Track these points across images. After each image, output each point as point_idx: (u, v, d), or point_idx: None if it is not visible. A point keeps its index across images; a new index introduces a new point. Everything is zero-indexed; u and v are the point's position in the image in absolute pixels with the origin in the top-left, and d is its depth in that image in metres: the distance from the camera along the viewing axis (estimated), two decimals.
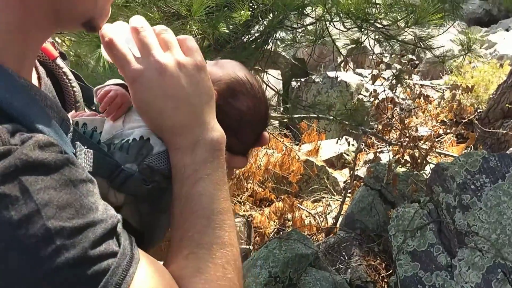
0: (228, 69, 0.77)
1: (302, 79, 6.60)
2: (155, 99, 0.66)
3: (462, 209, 2.61)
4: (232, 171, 0.80)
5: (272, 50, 3.53)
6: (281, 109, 5.86)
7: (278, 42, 3.11)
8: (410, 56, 6.99)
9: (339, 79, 5.62)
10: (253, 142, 0.80)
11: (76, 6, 0.62)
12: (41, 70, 0.73)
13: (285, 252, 2.95)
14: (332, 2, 1.98)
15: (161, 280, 0.57)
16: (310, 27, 2.58)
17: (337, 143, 4.07)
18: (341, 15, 2.11)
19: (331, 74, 6.42)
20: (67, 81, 0.79)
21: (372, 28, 2.25)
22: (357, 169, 4.59)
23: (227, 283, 0.62)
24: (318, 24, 2.38)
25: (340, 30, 2.43)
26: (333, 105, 5.21)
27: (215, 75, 0.76)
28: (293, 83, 6.68)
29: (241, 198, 5.20)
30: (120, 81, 0.77)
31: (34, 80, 0.69)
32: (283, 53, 7.44)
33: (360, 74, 6.52)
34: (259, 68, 3.90)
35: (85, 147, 0.60)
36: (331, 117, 4.20)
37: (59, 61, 0.79)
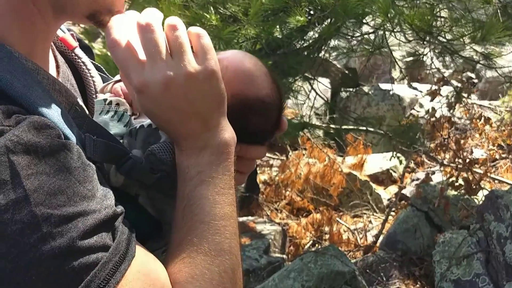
0: (233, 64, 0.71)
1: (352, 89, 6.52)
2: (160, 111, 0.63)
3: None
4: (253, 162, 0.78)
5: (324, 58, 3.51)
6: (327, 118, 5.82)
7: (331, 51, 3.08)
8: (469, 73, 6.76)
9: (391, 92, 5.51)
10: (270, 130, 0.77)
11: None
12: (60, 59, 0.74)
13: (321, 267, 2.93)
14: (395, 12, 1.95)
15: (155, 281, 0.56)
16: (367, 36, 2.55)
17: (390, 159, 3.99)
18: (403, 26, 2.07)
19: (383, 86, 6.31)
20: (86, 71, 0.78)
21: (436, 42, 2.20)
22: (404, 187, 4.49)
23: None
24: (377, 33, 2.35)
25: (400, 41, 2.39)
26: (383, 118, 5.13)
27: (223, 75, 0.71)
28: (343, 93, 6.62)
29: (278, 205, 5.20)
30: None
31: (52, 69, 0.69)
32: (334, 62, 7.40)
33: (415, 88, 6.38)
34: (309, 76, 3.89)
35: (95, 136, 0.59)
36: (381, 132, 4.13)
37: (78, 51, 0.79)
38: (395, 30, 2.20)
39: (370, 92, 6.07)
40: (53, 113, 0.55)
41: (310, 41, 3.06)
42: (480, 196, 3.57)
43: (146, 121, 0.69)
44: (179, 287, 0.58)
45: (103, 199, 0.54)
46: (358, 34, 2.50)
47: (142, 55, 0.62)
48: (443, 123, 3.49)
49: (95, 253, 0.50)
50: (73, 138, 0.56)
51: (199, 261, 0.60)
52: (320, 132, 5.48)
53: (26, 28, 0.59)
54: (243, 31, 2.21)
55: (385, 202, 4.82)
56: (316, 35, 2.94)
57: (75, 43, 0.78)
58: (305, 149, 5.44)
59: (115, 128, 0.69)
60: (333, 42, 3.08)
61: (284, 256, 4.20)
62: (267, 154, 6.13)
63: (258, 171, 5.61)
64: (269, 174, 5.82)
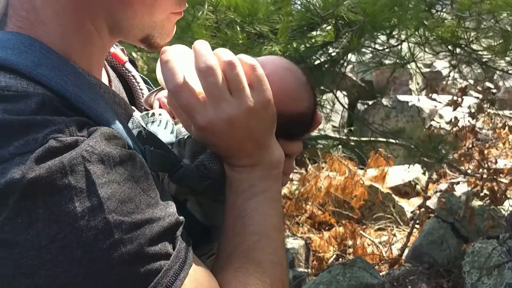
0: (275, 81, 0.72)
1: (369, 102, 6.57)
2: (221, 142, 0.67)
3: None
4: (292, 162, 0.81)
5: (341, 71, 3.56)
6: (345, 130, 5.86)
7: (357, 66, 3.14)
8: (487, 83, 6.77)
9: (410, 103, 5.54)
10: (308, 126, 0.80)
11: (132, 19, 0.63)
12: (112, 73, 0.78)
13: (349, 279, 2.96)
14: (424, 27, 2.01)
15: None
16: (393, 49, 2.61)
17: (409, 166, 4.01)
18: (432, 39, 2.14)
19: (402, 97, 6.35)
20: (136, 84, 0.83)
21: (465, 54, 2.25)
22: (428, 197, 4.50)
23: None
24: (402, 46, 2.41)
25: (428, 53, 2.44)
26: (403, 130, 5.15)
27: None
28: (359, 106, 6.67)
29: (299, 219, 5.21)
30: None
31: (105, 82, 0.73)
32: (349, 74, 7.45)
33: (434, 99, 6.40)
34: (326, 90, 3.94)
35: (151, 147, 0.62)
36: (403, 143, 4.15)
37: (128, 65, 0.84)
38: (423, 43, 2.26)
39: (388, 104, 6.10)
40: (117, 124, 0.58)
41: (333, 54, 3.13)
42: (506, 206, 3.58)
43: None
44: None
45: (166, 207, 0.56)
46: (384, 47, 2.56)
47: (201, 93, 0.65)
48: (466, 133, 3.52)
49: (158, 261, 0.52)
50: (133, 147, 0.59)
51: (251, 272, 0.62)
52: (340, 145, 5.50)
53: (86, 46, 0.63)
54: (270, 48, 2.29)
55: (409, 215, 4.83)
56: (339, 50, 3.01)
57: (125, 58, 0.83)
58: (325, 162, 5.47)
59: (164, 137, 0.72)
60: (354, 57, 3.14)
61: (309, 270, 4.22)
62: None
63: None
64: (288, 188, 5.85)
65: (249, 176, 0.68)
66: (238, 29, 2.50)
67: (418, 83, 5.74)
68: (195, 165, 0.68)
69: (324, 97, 4.18)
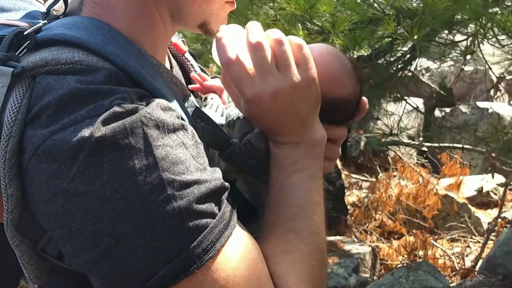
0: (320, 65, 0.76)
1: (447, 109, 6.31)
2: (267, 116, 0.72)
3: None
4: (337, 147, 0.84)
5: (416, 78, 3.47)
6: (421, 138, 5.67)
7: (424, 71, 3.05)
8: None
9: (490, 110, 5.25)
10: (352, 113, 0.84)
11: (192, 6, 0.71)
12: (173, 61, 0.86)
13: (413, 282, 2.88)
14: (487, 17, 1.94)
15: (251, 250, 0.63)
16: (459, 43, 2.53)
17: (487, 180, 3.80)
18: (497, 31, 2.05)
19: (481, 104, 6.03)
20: (194, 72, 0.91)
21: None
22: (504, 211, 4.24)
23: (311, 268, 0.66)
24: (469, 40, 2.34)
25: (494, 46, 2.34)
26: (482, 137, 4.89)
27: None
28: (437, 112, 6.43)
29: (367, 227, 5.11)
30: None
31: (167, 67, 0.79)
32: (427, 81, 7.22)
33: None
34: (398, 95, 3.85)
35: (203, 123, 0.69)
36: (481, 150, 3.95)
37: (187, 55, 0.91)
38: (488, 37, 2.18)
39: (466, 111, 5.83)
40: (173, 99, 0.65)
41: (399, 54, 3.09)
42: None
43: (241, 113, 0.79)
44: (273, 261, 0.65)
45: (213, 172, 0.62)
46: (448, 41, 2.49)
47: (251, 69, 0.70)
48: None
49: (205, 218, 0.58)
50: (186, 121, 0.65)
51: (291, 240, 0.67)
52: (413, 151, 5.34)
53: (151, 31, 0.71)
54: (330, 43, 2.33)
55: (485, 226, 4.56)
56: (406, 48, 2.97)
57: (185, 48, 0.91)
58: (396, 169, 5.33)
59: (215, 119, 0.77)
60: (425, 62, 3.06)
61: (375, 277, 4.14)
62: (356, 176, 6.10)
63: (347, 193, 5.58)
64: (358, 196, 5.76)
65: (292, 153, 0.73)
66: (300, 26, 2.56)
67: (500, 90, 5.42)
68: (243, 143, 0.73)
69: (396, 101, 4.10)
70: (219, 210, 0.61)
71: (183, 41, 0.93)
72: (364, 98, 0.84)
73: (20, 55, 0.62)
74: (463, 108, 6.06)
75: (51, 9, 0.73)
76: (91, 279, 0.59)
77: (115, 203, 0.54)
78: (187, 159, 0.59)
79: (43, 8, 0.77)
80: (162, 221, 0.55)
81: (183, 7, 0.71)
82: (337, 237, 4.73)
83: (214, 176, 0.62)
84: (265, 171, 0.74)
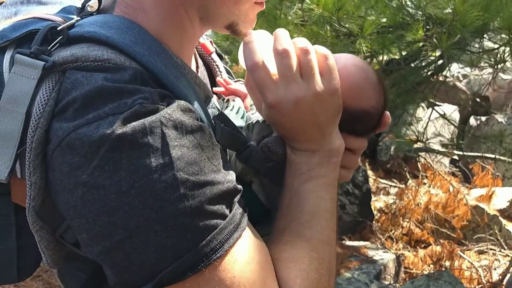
0: (345, 76, 0.76)
1: (483, 118, 6.14)
2: (287, 123, 0.73)
3: None
4: (356, 157, 0.85)
5: (447, 84, 3.40)
6: (454, 146, 5.54)
7: (461, 74, 3.00)
8: None
9: None
10: (374, 125, 0.84)
11: (221, 8, 0.71)
12: (200, 62, 0.88)
13: None
14: None
15: (259, 254, 0.64)
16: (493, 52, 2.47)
17: None
18: None
19: None
20: (219, 73, 0.92)
21: None
22: None
23: (318, 277, 0.67)
24: (500, 49, 2.28)
25: None
26: None
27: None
28: (472, 121, 6.27)
29: (393, 234, 5.04)
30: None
31: (193, 68, 0.80)
32: (463, 88, 7.05)
33: None
34: (431, 101, 3.77)
35: (223, 124, 0.70)
36: None
37: (214, 56, 0.93)
38: None
39: (502, 121, 5.66)
40: (194, 100, 0.67)
41: (430, 60, 3.04)
42: None
43: (261, 117, 0.80)
44: (281, 266, 0.66)
45: (227, 175, 0.64)
46: (478, 49, 2.44)
47: (275, 75, 0.72)
48: None
49: (215, 219, 0.60)
50: (206, 122, 0.67)
51: (301, 246, 0.68)
52: (444, 160, 5.23)
53: (178, 32, 0.72)
54: (357, 45, 2.32)
55: None
56: (436, 54, 2.92)
57: (212, 49, 0.93)
58: (426, 176, 5.23)
59: (235, 121, 0.79)
60: (455, 67, 3.00)
61: (397, 285, 4.08)
62: (384, 181, 6.01)
63: (373, 198, 5.52)
64: (385, 202, 5.69)
65: (308, 160, 0.74)
66: (328, 28, 2.55)
67: None
68: (260, 147, 0.75)
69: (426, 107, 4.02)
70: (230, 212, 0.62)
71: (211, 41, 0.94)
72: (387, 112, 0.84)
73: (52, 49, 0.64)
74: (499, 117, 5.88)
75: (86, 5, 0.75)
76: (104, 267, 0.61)
77: (130, 198, 0.56)
78: (202, 160, 0.60)
79: (78, 2, 0.80)
80: (173, 219, 0.57)
81: (212, 9, 0.72)
82: (361, 243, 4.69)
83: (227, 178, 0.63)
84: (280, 175, 0.75)
